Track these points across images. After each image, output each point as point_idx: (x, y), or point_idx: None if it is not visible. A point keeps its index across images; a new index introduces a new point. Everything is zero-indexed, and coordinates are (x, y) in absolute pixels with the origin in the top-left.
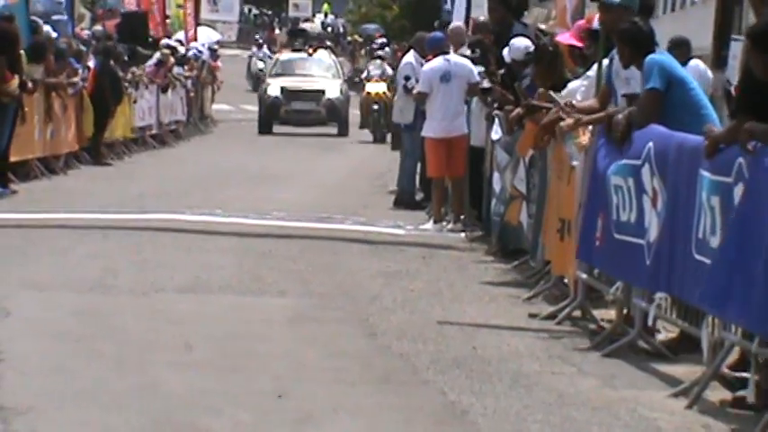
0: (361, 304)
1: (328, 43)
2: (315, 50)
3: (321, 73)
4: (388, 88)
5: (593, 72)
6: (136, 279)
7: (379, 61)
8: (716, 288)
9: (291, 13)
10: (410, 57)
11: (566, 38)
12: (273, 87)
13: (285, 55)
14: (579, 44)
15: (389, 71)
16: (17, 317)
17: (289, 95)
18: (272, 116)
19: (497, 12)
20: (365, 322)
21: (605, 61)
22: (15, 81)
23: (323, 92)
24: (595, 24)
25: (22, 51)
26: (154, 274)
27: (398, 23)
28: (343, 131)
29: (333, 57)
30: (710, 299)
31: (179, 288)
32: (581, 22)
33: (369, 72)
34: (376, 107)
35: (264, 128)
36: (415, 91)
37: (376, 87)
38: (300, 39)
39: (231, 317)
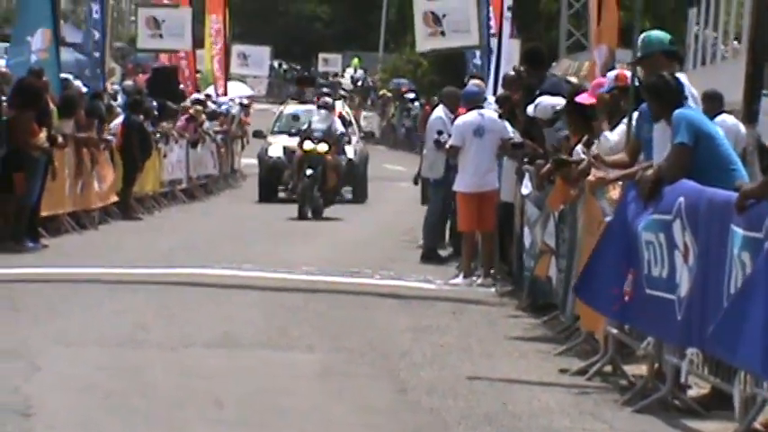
0: (390, 359)
1: (341, 92)
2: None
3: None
4: (331, 148)
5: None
6: (165, 334)
7: (324, 112)
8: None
9: (321, 67)
10: (439, 111)
11: (584, 98)
12: (275, 147)
13: (290, 107)
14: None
15: (339, 127)
16: (47, 371)
17: (293, 156)
18: (274, 181)
19: (530, 71)
20: (395, 377)
21: (635, 114)
22: (43, 134)
23: None
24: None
25: (53, 107)
26: (183, 329)
27: (428, 78)
28: (359, 197)
29: (347, 109)
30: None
31: (208, 343)
32: (599, 80)
33: (310, 125)
34: (310, 172)
35: (265, 195)
36: (447, 145)
37: (316, 145)
38: (310, 87)
39: (260, 372)
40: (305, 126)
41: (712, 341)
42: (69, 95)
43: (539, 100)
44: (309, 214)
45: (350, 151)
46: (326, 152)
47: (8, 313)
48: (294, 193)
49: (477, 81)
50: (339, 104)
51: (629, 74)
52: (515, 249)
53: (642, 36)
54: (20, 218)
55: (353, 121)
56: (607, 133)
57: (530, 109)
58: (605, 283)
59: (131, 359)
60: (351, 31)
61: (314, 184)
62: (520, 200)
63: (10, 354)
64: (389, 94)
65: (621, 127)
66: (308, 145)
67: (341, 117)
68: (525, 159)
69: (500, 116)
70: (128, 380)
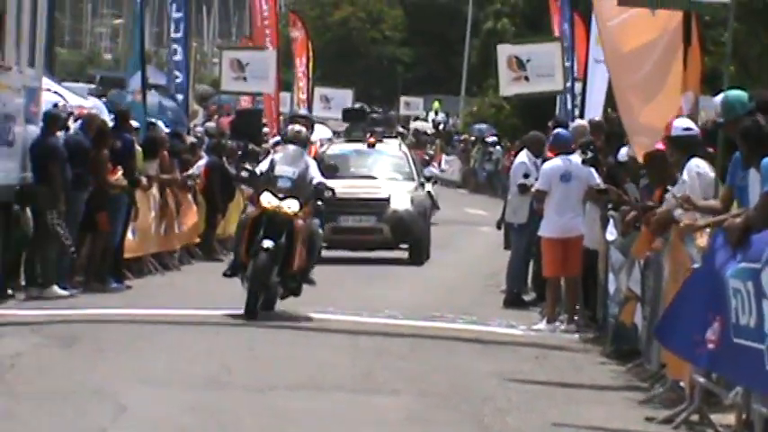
0: (475, 404)
1: (400, 129)
2: (378, 140)
3: (387, 173)
4: (303, 207)
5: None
6: (249, 376)
7: (294, 148)
8: None
9: (403, 111)
10: (523, 156)
11: (659, 146)
12: None
13: (335, 147)
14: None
15: (314, 174)
16: (133, 413)
17: (336, 206)
18: None
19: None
20: (480, 423)
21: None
22: (120, 173)
23: (387, 201)
24: (675, 131)
25: (138, 148)
26: (267, 371)
27: (510, 122)
28: (417, 257)
29: (404, 149)
30: None
31: (292, 386)
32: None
33: (272, 166)
34: (269, 244)
35: None
36: (533, 189)
37: (281, 202)
38: (360, 123)
39: (345, 416)
40: (262, 167)
41: None
42: (153, 137)
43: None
44: (259, 305)
45: (405, 200)
46: (296, 213)
47: (94, 353)
48: (233, 273)
49: (581, 122)
50: (396, 143)
51: (674, 123)
52: (599, 295)
53: (721, 98)
54: (104, 258)
55: (411, 162)
56: (674, 190)
57: (622, 152)
58: (687, 327)
59: (216, 401)
60: (432, 75)
61: (272, 264)
62: (604, 245)
63: (96, 394)
64: (471, 138)
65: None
66: (267, 199)
67: (318, 159)
68: (609, 206)
69: (583, 162)
70: (212, 421)
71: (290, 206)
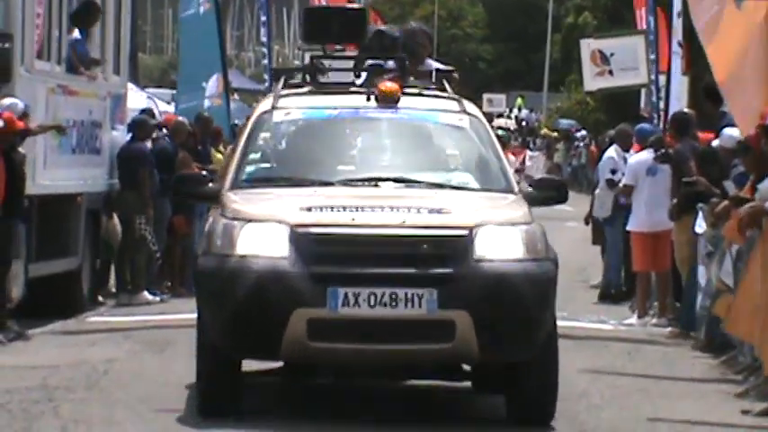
0: (569, 401)
1: (443, 67)
2: (400, 90)
3: (440, 173)
4: None
5: None
6: None
7: None
8: None
9: (486, 107)
10: (612, 151)
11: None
12: (256, 228)
13: (289, 102)
14: None
15: None
16: None
17: (313, 252)
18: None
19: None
20: (574, 419)
21: None
22: None
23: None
24: None
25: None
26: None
27: (594, 117)
28: (536, 407)
29: (474, 110)
30: None
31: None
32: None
33: None
34: None
35: (218, 389)
36: (621, 184)
37: None
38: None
39: (435, 413)
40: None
41: None
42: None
43: (724, 131)
44: None
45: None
46: None
47: (187, 358)
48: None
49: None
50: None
51: None
52: (691, 288)
53: None
54: (184, 262)
55: (496, 146)
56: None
57: (714, 142)
58: None
59: (307, 395)
60: (514, 71)
61: None
62: (693, 238)
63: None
64: (554, 134)
65: None
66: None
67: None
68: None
69: (654, 159)
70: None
71: None
